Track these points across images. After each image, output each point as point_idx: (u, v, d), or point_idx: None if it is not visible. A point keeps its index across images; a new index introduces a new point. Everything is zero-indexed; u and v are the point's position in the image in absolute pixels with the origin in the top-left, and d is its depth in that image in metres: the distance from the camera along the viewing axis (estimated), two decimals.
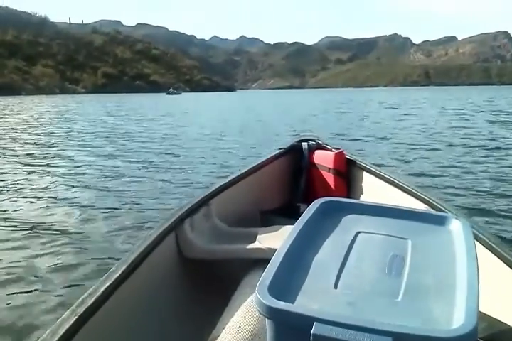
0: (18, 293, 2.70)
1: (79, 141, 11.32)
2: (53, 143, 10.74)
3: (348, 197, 2.30)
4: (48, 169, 7.14)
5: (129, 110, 28.29)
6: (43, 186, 5.76)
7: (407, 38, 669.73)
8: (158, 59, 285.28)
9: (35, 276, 2.93)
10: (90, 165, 7.43)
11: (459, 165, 6.83)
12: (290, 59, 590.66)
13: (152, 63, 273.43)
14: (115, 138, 11.84)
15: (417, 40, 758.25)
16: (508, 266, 1.25)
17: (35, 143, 10.80)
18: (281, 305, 0.70)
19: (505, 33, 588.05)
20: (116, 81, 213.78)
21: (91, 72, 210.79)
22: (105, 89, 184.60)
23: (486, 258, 1.27)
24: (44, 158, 8.47)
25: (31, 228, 3.92)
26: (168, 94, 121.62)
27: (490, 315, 1.09)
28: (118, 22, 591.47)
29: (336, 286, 0.77)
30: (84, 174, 6.68)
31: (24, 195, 5.25)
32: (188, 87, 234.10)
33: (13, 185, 5.85)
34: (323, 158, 2.49)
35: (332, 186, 2.40)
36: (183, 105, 38.29)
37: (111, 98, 75.38)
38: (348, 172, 2.42)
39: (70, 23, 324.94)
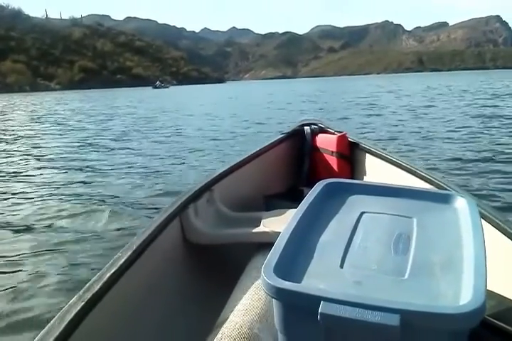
0: (24, 279, 2.74)
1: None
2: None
3: (352, 179, 2.18)
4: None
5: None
6: (46, 177, 5.98)
7: (399, 25, 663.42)
8: (143, 51, 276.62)
9: (40, 263, 2.98)
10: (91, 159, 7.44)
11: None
12: (282, 49, 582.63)
13: (136, 56, 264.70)
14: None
15: (408, 26, 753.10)
16: None
17: None
18: (288, 285, 0.70)
19: (497, 17, 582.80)
20: (94, 76, 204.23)
21: (67, 67, 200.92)
22: (82, 84, 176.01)
23: (493, 236, 1.27)
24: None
25: (32, 215, 4.09)
26: (155, 87, 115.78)
27: (497, 292, 1.08)
28: (107, 16, 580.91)
29: (341, 266, 0.77)
30: (89, 163, 6.85)
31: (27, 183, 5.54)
32: (175, 80, 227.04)
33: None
34: (326, 142, 2.50)
35: (336, 169, 2.41)
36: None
37: (88, 94, 69.77)
38: (351, 154, 2.42)
39: (46, 17, 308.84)
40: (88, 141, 9.84)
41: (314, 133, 2.62)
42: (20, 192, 5.17)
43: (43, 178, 5.98)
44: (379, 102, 18.33)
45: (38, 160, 7.68)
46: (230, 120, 13.55)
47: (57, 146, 9.37)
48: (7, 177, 6.19)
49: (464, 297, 0.67)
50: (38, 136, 11.50)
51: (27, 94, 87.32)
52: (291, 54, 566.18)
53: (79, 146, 9.17)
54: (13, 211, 4.28)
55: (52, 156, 8.00)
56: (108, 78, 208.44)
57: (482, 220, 0.90)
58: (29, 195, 4.98)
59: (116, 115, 18.15)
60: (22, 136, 11.51)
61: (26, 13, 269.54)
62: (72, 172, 6.37)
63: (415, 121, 10.65)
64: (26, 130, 13.28)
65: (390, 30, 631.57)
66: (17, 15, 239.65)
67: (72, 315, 0.95)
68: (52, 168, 6.77)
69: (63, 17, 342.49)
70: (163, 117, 15.78)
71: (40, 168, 6.79)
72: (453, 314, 0.63)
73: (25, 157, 8.14)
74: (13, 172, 6.54)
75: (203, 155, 7.20)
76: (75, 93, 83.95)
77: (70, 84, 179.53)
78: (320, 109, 16.40)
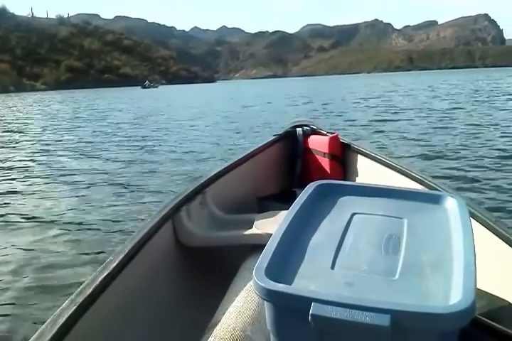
0: (16, 283, 2.77)
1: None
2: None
3: (344, 180, 2.21)
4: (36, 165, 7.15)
5: None
6: (38, 183, 5.93)
7: (389, 24, 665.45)
8: (131, 50, 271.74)
9: (33, 267, 3.01)
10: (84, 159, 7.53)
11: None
12: (272, 48, 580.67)
13: (124, 55, 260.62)
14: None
15: (398, 25, 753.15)
16: (505, 242, 1.25)
17: None
18: (279, 287, 0.70)
19: (486, 15, 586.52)
20: (82, 75, 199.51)
21: (53, 67, 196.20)
22: (69, 84, 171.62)
23: (483, 235, 1.27)
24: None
25: (27, 219, 4.14)
26: (144, 87, 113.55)
27: (488, 291, 1.08)
28: (96, 15, 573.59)
29: (332, 267, 0.77)
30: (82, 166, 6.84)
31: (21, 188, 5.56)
32: (164, 79, 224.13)
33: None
34: (318, 143, 2.51)
35: (328, 170, 2.42)
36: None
37: (72, 95, 67.78)
38: (343, 156, 2.44)
39: (32, 16, 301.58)
40: (45, 153, 8.71)
41: (306, 135, 2.61)
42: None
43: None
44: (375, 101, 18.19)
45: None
46: (217, 127, 12.13)
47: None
48: None
49: (453, 296, 0.67)
50: None
51: (8, 95, 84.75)
52: (281, 53, 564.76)
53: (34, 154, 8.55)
54: None
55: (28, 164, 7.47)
56: (96, 78, 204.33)
57: (472, 220, 0.91)
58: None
59: (92, 120, 16.38)
60: None
61: (11, 11, 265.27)
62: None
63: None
64: None
65: (379, 29, 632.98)
66: (1, 13, 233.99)
67: (64, 318, 0.93)
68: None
69: (51, 16, 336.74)
70: (143, 124, 14.13)
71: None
72: (443, 314, 0.63)
73: None
74: None
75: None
76: (59, 93, 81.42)
77: (56, 84, 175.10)
78: (317, 110, 15.13)
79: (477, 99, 16.75)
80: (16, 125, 15.45)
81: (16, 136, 11.89)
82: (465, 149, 6.67)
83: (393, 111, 13.26)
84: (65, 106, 30.29)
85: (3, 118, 19.67)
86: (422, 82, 44.10)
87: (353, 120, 11.30)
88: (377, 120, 11.15)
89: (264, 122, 12.02)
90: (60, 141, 10.46)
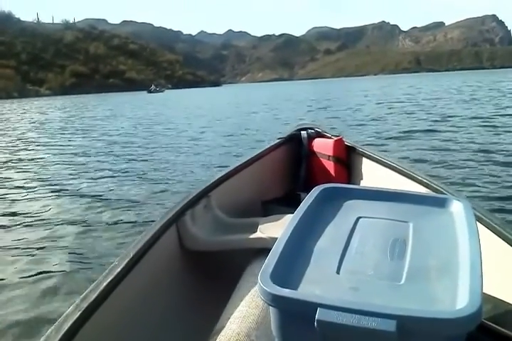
0: (20, 289, 2.74)
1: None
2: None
3: (349, 183, 2.28)
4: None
5: None
6: (43, 183, 5.99)
7: (395, 25, 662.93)
8: (136, 54, 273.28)
9: (36, 271, 2.98)
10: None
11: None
12: (278, 51, 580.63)
13: (130, 59, 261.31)
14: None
15: (404, 26, 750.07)
16: (511, 246, 1.24)
17: None
18: (284, 292, 0.69)
19: (493, 16, 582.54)
20: (87, 80, 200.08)
21: (58, 72, 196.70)
22: (74, 89, 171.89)
23: (489, 239, 1.27)
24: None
25: (30, 223, 4.10)
26: (150, 92, 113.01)
27: (494, 296, 1.08)
28: (103, 20, 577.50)
29: (338, 272, 0.77)
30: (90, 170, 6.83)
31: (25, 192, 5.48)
32: (170, 83, 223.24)
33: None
34: (322, 146, 2.51)
35: (333, 173, 2.42)
36: None
37: (75, 100, 66.21)
38: (348, 159, 2.44)
39: (38, 21, 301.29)
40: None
41: (311, 138, 2.61)
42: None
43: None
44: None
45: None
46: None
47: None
48: None
49: (460, 301, 0.67)
50: None
51: (11, 101, 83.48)
52: (288, 56, 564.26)
53: None
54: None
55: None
56: (101, 82, 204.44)
57: (478, 223, 0.90)
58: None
59: (91, 130, 14.53)
60: None
61: (17, 16, 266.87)
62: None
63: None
64: None
65: (386, 31, 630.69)
66: (7, 18, 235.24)
67: (69, 324, 0.93)
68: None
69: (56, 21, 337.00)
70: (150, 132, 12.54)
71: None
72: (450, 318, 0.63)
73: None
74: None
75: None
76: (63, 99, 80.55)
77: (61, 89, 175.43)
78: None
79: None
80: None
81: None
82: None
83: (421, 118, 11.51)
84: (62, 113, 28.68)
85: None
86: (437, 83, 41.89)
87: (380, 131, 9.52)
88: (408, 129, 9.44)
89: (277, 128, 10.54)
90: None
